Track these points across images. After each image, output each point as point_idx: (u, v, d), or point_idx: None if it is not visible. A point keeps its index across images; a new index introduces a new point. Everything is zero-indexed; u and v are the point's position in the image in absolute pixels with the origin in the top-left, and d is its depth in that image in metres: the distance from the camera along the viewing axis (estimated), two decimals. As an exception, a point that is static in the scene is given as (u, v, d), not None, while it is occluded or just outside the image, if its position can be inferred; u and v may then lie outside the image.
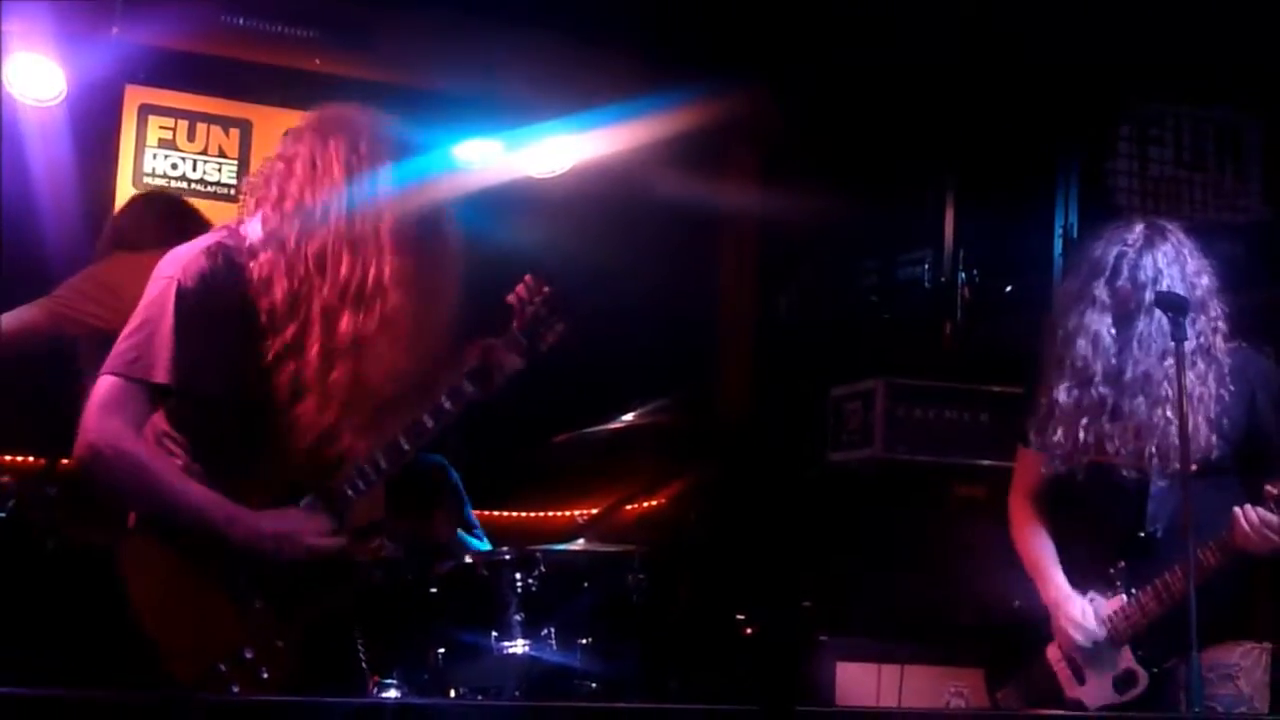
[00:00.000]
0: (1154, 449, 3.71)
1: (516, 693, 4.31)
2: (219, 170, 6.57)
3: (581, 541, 4.88)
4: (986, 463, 5.38)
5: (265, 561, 3.06)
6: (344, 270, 3.06)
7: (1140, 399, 3.73)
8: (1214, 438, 3.69)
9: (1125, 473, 3.76)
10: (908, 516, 5.65)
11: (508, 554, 4.49)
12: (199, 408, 3.09)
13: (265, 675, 3.01)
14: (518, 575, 4.43)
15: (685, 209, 6.66)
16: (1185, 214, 6.08)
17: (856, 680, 5.10)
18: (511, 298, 3.40)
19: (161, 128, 6.52)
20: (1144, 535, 3.77)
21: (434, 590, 4.44)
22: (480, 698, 4.32)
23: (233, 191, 6.52)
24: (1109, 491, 3.79)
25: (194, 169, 6.54)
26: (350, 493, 3.17)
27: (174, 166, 6.51)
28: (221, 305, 3.05)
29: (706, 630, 5.81)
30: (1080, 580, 3.88)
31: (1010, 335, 5.36)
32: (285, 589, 3.09)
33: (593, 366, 5.58)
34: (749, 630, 5.73)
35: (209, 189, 6.53)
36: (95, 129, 6.28)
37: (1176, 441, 3.56)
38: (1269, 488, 3.55)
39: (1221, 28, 5.57)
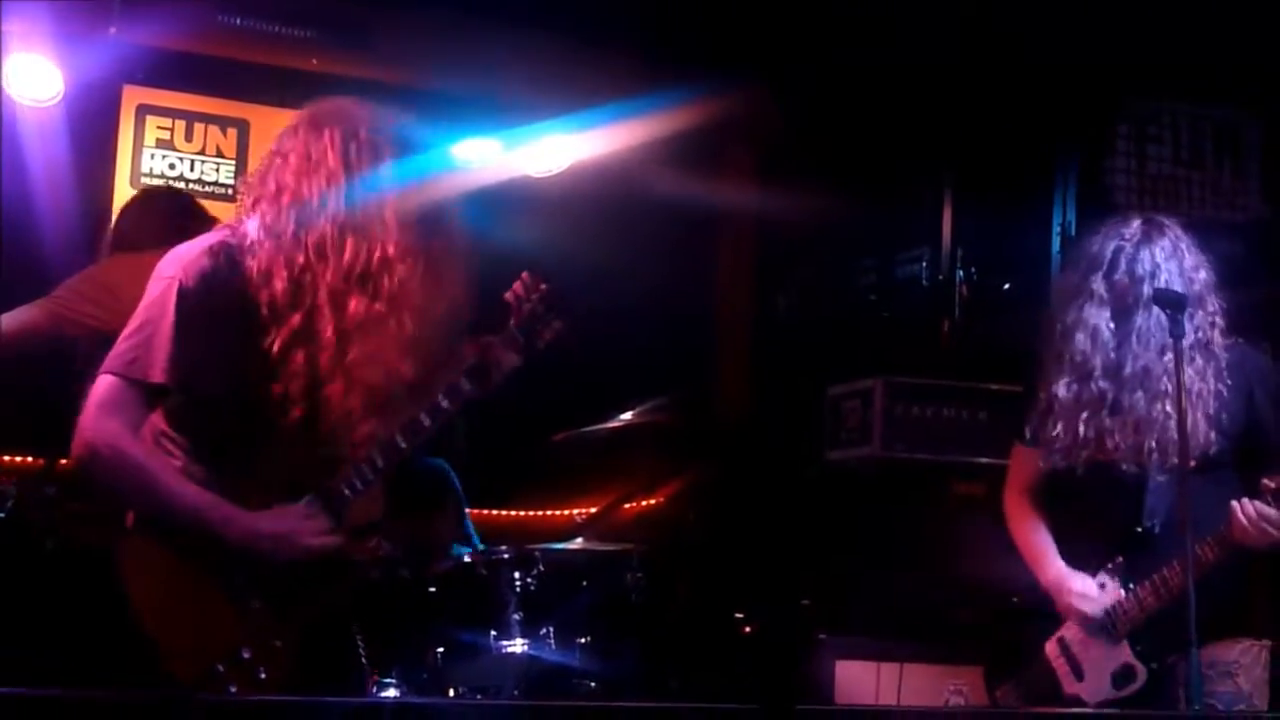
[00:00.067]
0: (1153, 444, 3.72)
1: (515, 692, 4.31)
2: (217, 170, 6.57)
3: (580, 540, 4.88)
4: (985, 460, 5.38)
5: (262, 561, 3.06)
6: (347, 255, 3.07)
7: (1140, 394, 3.74)
8: (1213, 434, 3.70)
9: (1124, 467, 3.76)
10: (906, 515, 5.65)
11: (506, 553, 4.49)
12: (198, 408, 3.09)
13: (263, 675, 3.01)
14: (516, 574, 4.43)
15: (683, 208, 6.66)
16: (1183, 212, 6.08)
17: (856, 679, 5.10)
18: (509, 295, 3.40)
19: (159, 128, 6.51)
20: (1141, 530, 3.77)
21: (433, 589, 4.44)
22: (479, 697, 4.32)
23: (230, 191, 6.51)
24: (1107, 486, 3.79)
25: (192, 169, 6.53)
26: (348, 492, 3.16)
27: (172, 167, 6.51)
28: (223, 304, 3.06)
29: (706, 629, 5.81)
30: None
31: (1008, 333, 5.37)
32: (283, 589, 3.09)
33: (591, 365, 5.57)
34: (748, 629, 5.73)
35: (207, 189, 6.52)
36: (93, 129, 6.28)
37: (1176, 437, 3.56)
38: (1266, 481, 3.57)
39: (1220, 26, 5.57)
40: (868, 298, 6.68)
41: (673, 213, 6.67)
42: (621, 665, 4.55)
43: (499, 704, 3.99)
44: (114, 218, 4.90)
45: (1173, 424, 3.60)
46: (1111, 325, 3.80)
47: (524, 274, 3.41)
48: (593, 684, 4.46)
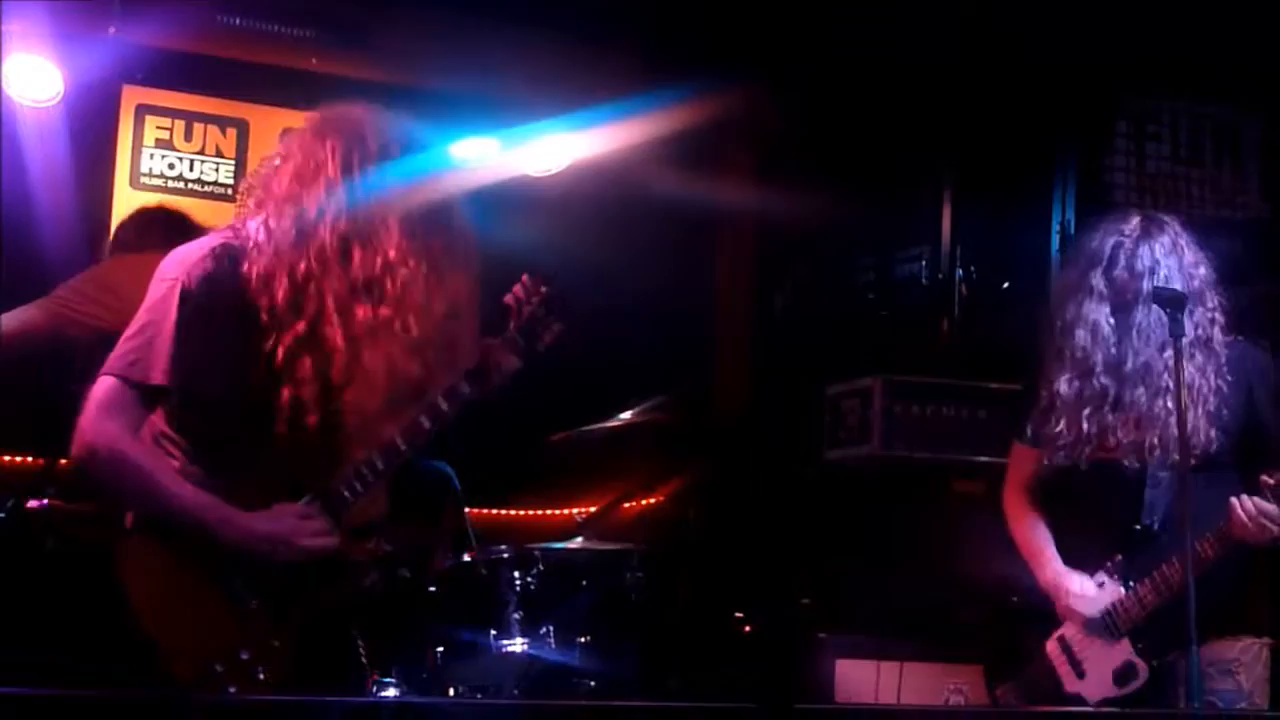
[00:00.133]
0: (1155, 440, 3.72)
1: (515, 691, 4.31)
2: (216, 170, 6.57)
3: (580, 540, 4.88)
4: (985, 459, 5.37)
5: (261, 562, 3.06)
6: (353, 265, 3.07)
7: (1141, 390, 3.74)
8: (1213, 431, 3.70)
9: (1126, 464, 3.76)
10: (906, 514, 5.64)
11: (506, 552, 4.49)
12: (199, 409, 3.09)
13: (262, 676, 3.01)
14: (516, 574, 4.43)
15: (682, 207, 6.66)
16: (1183, 210, 6.08)
17: (856, 678, 5.10)
18: (509, 298, 3.40)
19: (159, 128, 6.51)
20: (1141, 528, 3.77)
21: (432, 589, 4.45)
22: (479, 696, 4.32)
23: (230, 191, 6.52)
24: (1108, 484, 3.79)
25: (191, 169, 6.53)
26: (347, 494, 3.16)
27: (171, 166, 6.50)
28: (224, 307, 3.06)
29: (705, 628, 5.81)
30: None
31: (1008, 332, 5.36)
32: (281, 589, 3.09)
33: (590, 365, 5.57)
34: (748, 628, 5.73)
35: (206, 189, 6.52)
36: (92, 129, 6.28)
37: (1177, 433, 3.56)
38: (1265, 478, 3.57)
39: (1219, 24, 5.57)
40: (867, 296, 6.68)
41: (672, 212, 6.67)
42: (621, 665, 4.55)
43: (499, 704, 3.99)
44: (112, 229, 4.91)
45: (1174, 420, 3.59)
46: (1111, 321, 3.80)
47: (524, 277, 3.41)
48: (592, 684, 4.46)
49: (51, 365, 4.19)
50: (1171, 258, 3.79)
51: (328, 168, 3.12)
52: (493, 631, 4.35)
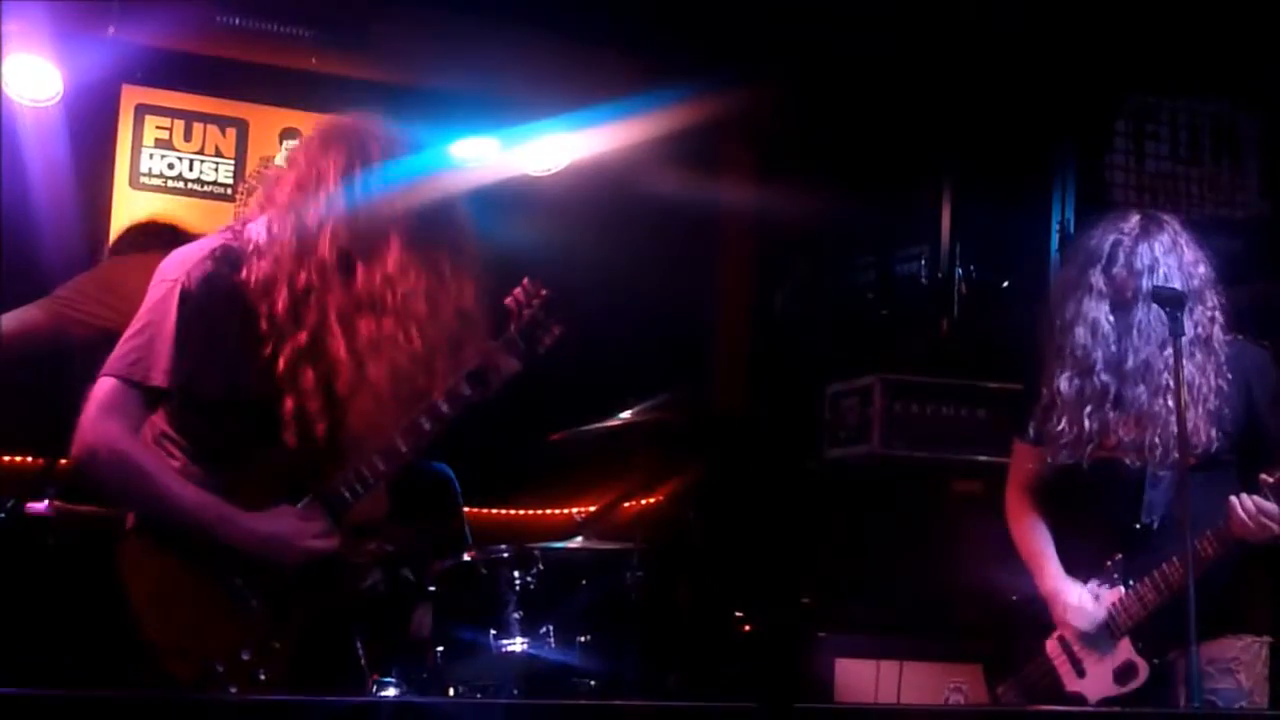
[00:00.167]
0: (1155, 438, 3.72)
1: (515, 691, 4.32)
2: (215, 170, 6.57)
3: (580, 539, 4.88)
4: (984, 458, 5.38)
5: (261, 563, 3.06)
6: (352, 276, 3.07)
7: (1141, 388, 3.74)
8: (1213, 430, 3.70)
9: (1127, 462, 3.76)
10: (906, 513, 5.65)
11: (506, 552, 4.49)
12: (199, 410, 3.09)
13: (262, 676, 3.01)
14: (516, 573, 4.43)
15: (682, 206, 6.66)
16: (1182, 209, 6.08)
17: (855, 677, 5.10)
18: (509, 301, 3.40)
19: (158, 127, 6.51)
20: (1140, 526, 3.77)
21: (432, 588, 4.45)
22: (479, 696, 4.32)
23: (229, 191, 6.53)
24: (1108, 482, 3.79)
25: (190, 169, 6.53)
26: (348, 495, 3.16)
27: (170, 166, 6.50)
28: (225, 309, 3.06)
29: (705, 627, 5.81)
30: (1077, 572, 3.88)
31: (1008, 331, 5.36)
32: (281, 590, 3.08)
33: (590, 364, 5.56)
34: (747, 627, 5.73)
35: (205, 188, 6.53)
36: (92, 129, 6.28)
37: (1177, 431, 3.56)
38: (1265, 476, 3.56)
39: (1218, 22, 5.57)
40: (866, 295, 6.68)
41: (671, 211, 6.67)
42: (621, 664, 4.56)
43: (499, 703, 3.99)
44: (111, 234, 4.91)
45: (1174, 419, 3.60)
46: (1111, 319, 3.80)
47: (525, 280, 3.42)
48: (592, 683, 4.47)
49: (51, 365, 4.19)
50: (1171, 256, 3.79)
51: (329, 179, 3.12)
52: (493, 631, 4.36)
